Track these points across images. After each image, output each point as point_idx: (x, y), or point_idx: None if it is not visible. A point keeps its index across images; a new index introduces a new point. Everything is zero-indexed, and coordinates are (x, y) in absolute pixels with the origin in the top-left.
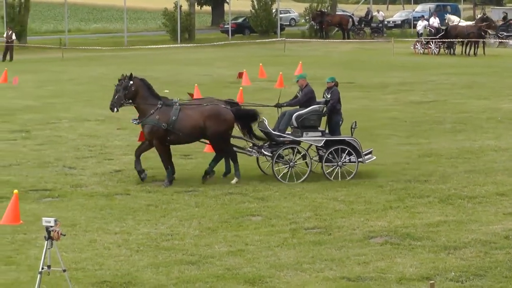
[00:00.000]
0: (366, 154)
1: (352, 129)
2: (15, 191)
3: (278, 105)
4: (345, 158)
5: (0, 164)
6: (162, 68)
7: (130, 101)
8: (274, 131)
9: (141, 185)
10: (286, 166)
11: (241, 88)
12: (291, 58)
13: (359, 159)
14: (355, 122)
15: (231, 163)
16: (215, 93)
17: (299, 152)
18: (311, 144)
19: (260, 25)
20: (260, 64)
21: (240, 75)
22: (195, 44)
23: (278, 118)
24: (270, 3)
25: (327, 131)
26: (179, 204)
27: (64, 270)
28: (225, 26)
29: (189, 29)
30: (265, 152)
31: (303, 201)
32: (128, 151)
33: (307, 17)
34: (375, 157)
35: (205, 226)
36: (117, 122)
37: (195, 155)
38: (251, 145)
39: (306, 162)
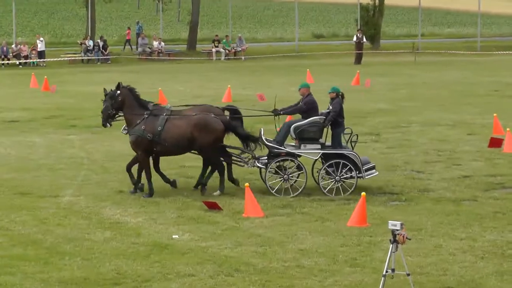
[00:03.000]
0: (368, 170)
1: (352, 143)
2: (363, 193)
3: (276, 112)
4: (345, 173)
5: None
6: None
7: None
8: (272, 142)
9: (489, 191)
10: (280, 179)
11: None
12: None
13: (358, 175)
14: (357, 135)
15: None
16: None
17: (299, 166)
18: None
19: None
20: None
21: None
22: None
23: (280, 128)
24: None
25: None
26: None
27: (408, 274)
28: None
29: None
30: (258, 164)
31: None
32: (477, 156)
33: None
34: (377, 173)
35: None
36: (467, 127)
37: None
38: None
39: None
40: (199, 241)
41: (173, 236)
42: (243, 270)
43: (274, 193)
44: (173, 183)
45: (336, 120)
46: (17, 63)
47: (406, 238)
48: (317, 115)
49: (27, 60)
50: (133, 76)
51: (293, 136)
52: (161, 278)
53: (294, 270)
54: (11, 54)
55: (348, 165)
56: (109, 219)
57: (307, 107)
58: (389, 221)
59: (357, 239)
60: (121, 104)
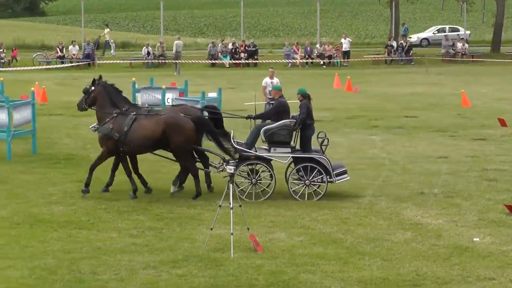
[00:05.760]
0: (340, 174)
1: (323, 146)
2: None
3: (249, 117)
4: (315, 177)
5: None
6: None
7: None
8: (242, 145)
9: None
10: (249, 182)
11: None
12: None
13: (329, 179)
14: (328, 139)
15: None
16: None
17: (268, 170)
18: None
19: None
20: None
21: None
22: None
23: (251, 131)
24: None
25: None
26: None
27: None
28: None
29: None
30: (226, 168)
31: None
32: None
33: None
34: (348, 177)
35: None
36: None
37: None
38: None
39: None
40: (500, 245)
41: (474, 239)
42: None
43: (244, 198)
44: (146, 190)
45: (304, 122)
46: (321, 63)
47: None
48: (289, 118)
49: (331, 60)
50: (435, 78)
51: (263, 139)
52: (460, 281)
53: None
54: (315, 54)
55: (318, 169)
56: (410, 220)
57: (276, 110)
58: None
59: None
60: (94, 100)
